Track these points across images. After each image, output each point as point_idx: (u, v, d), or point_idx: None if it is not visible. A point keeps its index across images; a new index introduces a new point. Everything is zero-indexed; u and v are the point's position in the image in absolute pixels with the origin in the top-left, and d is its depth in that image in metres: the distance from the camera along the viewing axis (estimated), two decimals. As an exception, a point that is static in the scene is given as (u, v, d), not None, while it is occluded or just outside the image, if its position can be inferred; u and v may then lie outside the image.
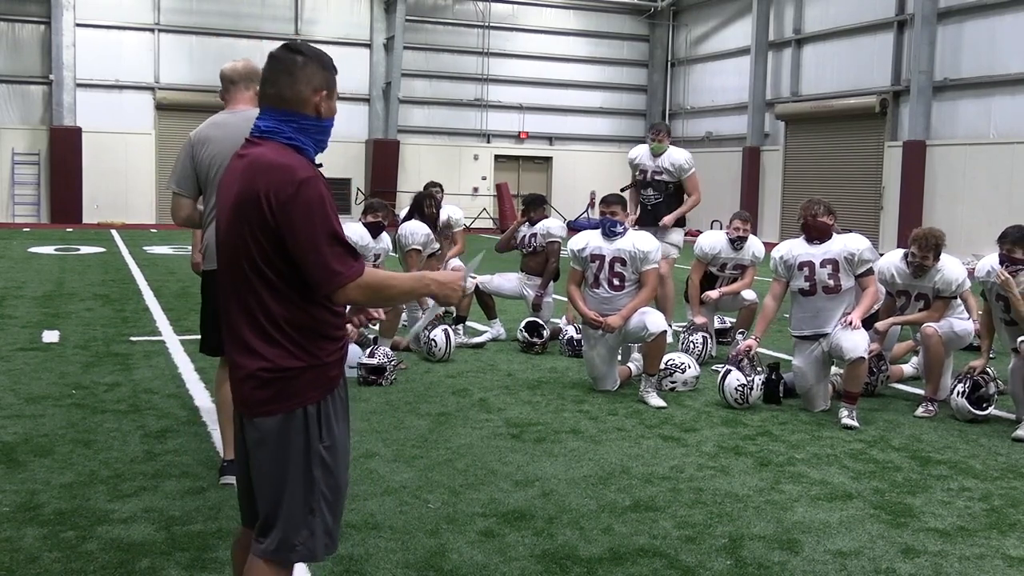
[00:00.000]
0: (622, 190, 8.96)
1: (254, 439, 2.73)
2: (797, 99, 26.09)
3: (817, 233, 6.87)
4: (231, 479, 4.62)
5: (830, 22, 24.99)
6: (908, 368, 7.91)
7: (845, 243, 6.82)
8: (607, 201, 7.35)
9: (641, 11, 31.86)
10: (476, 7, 30.35)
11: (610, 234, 7.21)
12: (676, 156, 9.35)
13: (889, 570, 4.06)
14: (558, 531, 4.38)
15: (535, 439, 5.88)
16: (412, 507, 4.63)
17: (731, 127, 28.51)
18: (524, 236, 9.35)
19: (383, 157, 29.03)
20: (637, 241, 7.19)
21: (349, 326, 7.99)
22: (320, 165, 2.78)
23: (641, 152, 9.53)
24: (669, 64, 31.91)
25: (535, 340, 8.71)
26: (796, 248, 6.95)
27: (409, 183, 27.51)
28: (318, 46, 2.64)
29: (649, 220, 9.27)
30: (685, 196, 9.38)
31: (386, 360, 7.29)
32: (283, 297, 2.64)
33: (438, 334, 8.18)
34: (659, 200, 9.32)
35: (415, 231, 8.53)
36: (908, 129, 22.19)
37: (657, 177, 9.34)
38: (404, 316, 8.56)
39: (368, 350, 7.42)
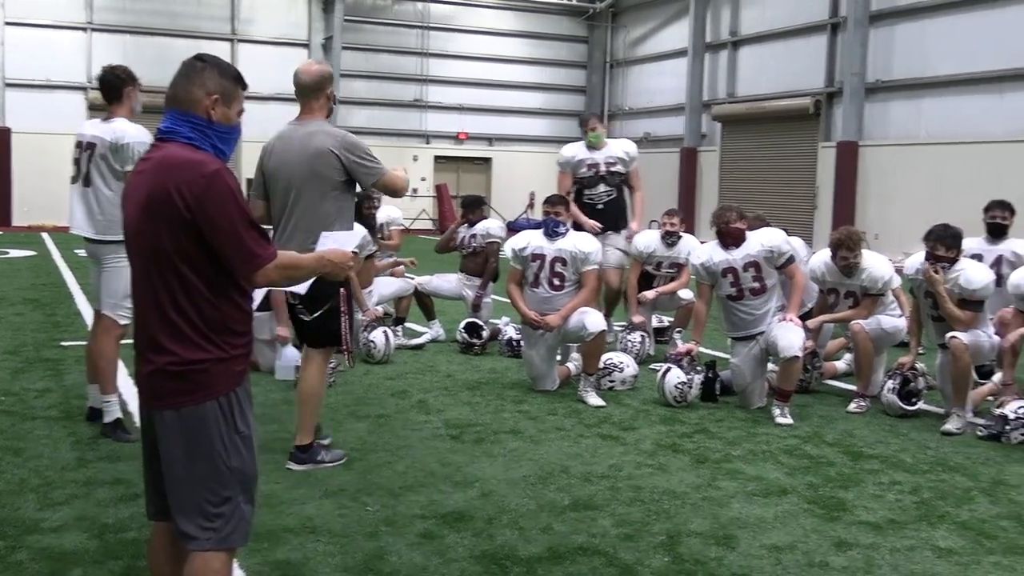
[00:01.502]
0: (567, 194, 8.54)
1: (169, 433, 2.83)
2: (733, 100, 26.40)
3: (732, 239, 6.97)
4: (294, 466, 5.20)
5: (765, 24, 25.33)
6: (841, 365, 8.05)
7: (761, 241, 6.92)
8: (551, 201, 7.38)
9: (580, 13, 32.02)
10: (415, 7, 30.28)
11: (552, 234, 7.23)
12: (624, 144, 8.90)
13: (823, 563, 4.13)
14: (497, 531, 4.38)
15: (474, 440, 5.89)
16: (351, 510, 4.60)
17: (669, 128, 28.75)
18: (463, 237, 9.35)
19: (322, 158, 28.79)
20: (578, 242, 7.22)
21: (281, 329, 7.92)
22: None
23: (577, 149, 8.85)
24: (608, 65, 32.11)
25: (474, 341, 8.71)
26: (716, 254, 7.04)
27: (348, 184, 27.29)
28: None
29: (604, 222, 8.60)
30: (628, 191, 8.85)
31: (324, 362, 7.22)
32: (194, 292, 2.78)
33: (377, 335, 8.14)
34: (612, 196, 8.74)
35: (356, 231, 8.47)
36: (841, 130, 22.56)
37: (612, 169, 8.69)
38: (343, 318, 8.49)
39: (306, 353, 7.35)
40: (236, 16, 28.35)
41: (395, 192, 5.40)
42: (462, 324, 8.86)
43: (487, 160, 31.53)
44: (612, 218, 8.74)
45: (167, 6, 27.54)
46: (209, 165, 2.76)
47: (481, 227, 9.33)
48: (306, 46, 29.14)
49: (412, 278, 9.41)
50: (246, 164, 27.07)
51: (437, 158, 30.83)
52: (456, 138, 31.04)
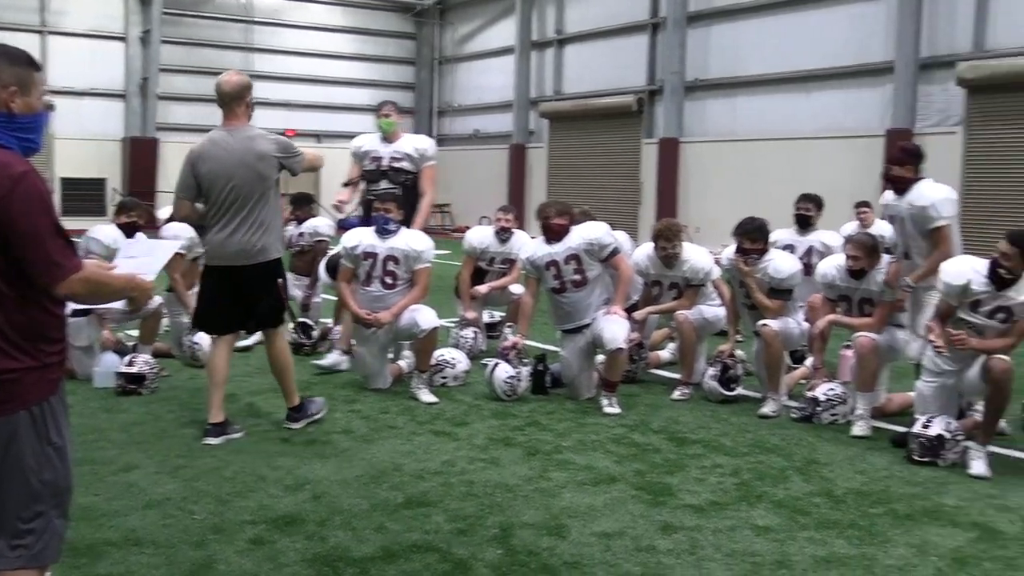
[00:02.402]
0: (344, 185, 8.12)
1: None
2: (560, 98, 26.88)
3: (554, 235, 7.12)
4: (213, 440, 5.67)
5: (589, 23, 25.89)
6: (665, 354, 8.33)
7: (582, 235, 7.09)
8: (382, 199, 7.34)
9: (407, 9, 31.93)
10: (238, 1, 29.51)
11: (384, 232, 7.19)
12: (420, 141, 8.22)
13: (649, 547, 4.26)
14: (330, 533, 4.34)
15: (305, 442, 5.80)
16: (177, 519, 4.46)
17: (497, 125, 29.03)
18: (291, 236, 9.19)
19: (141, 156, 27.71)
20: (411, 240, 7.20)
21: (105, 333, 7.60)
22: None
23: (369, 139, 8.20)
24: (436, 62, 32.17)
25: (304, 341, 8.58)
26: (540, 249, 7.18)
27: (170, 183, 26.16)
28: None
29: None
30: (420, 193, 7.97)
31: (147, 368, 7.00)
32: (2, 299, 2.63)
33: (202, 337, 7.89)
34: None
35: (179, 233, 8.13)
36: (663, 127, 23.32)
37: (396, 164, 7.96)
38: (165, 322, 8.22)
39: (127, 358, 7.09)
40: (46, 7, 26.92)
41: (317, 169, 6.37)
42: (291, 324, 8.69)
43: (316, 157, 31.04)
44: None
45: (-31, -5, 25.96)
46: (15, 167, 2.61)
47: (309, 225, 9.19)
48: (122, 39, 27.99)
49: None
50: (59, 163, 25.96)
51: (264, 155, 30.12)
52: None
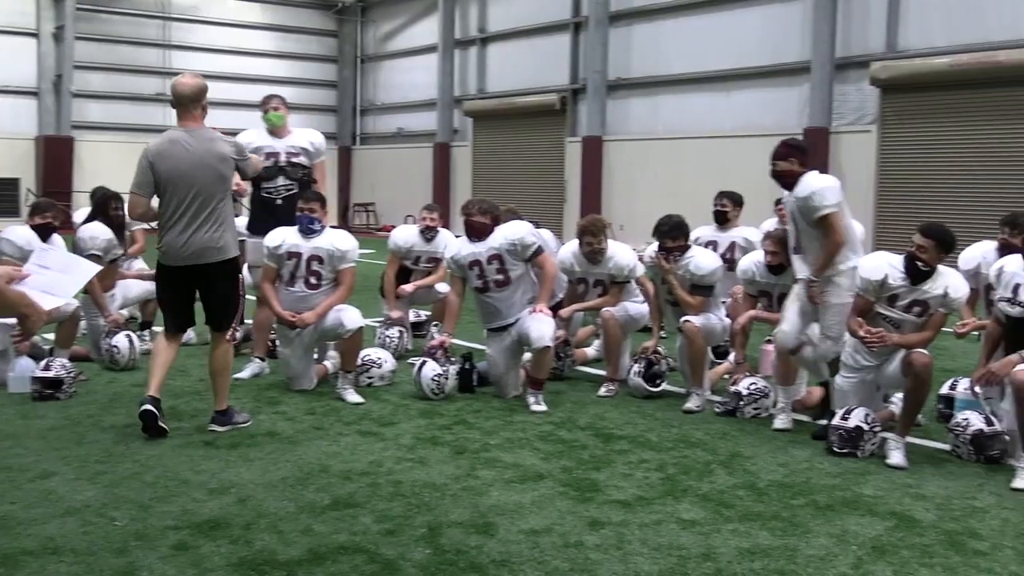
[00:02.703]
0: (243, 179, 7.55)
1: None
2: (483, 96, 26.90)
3: (476, 232, 7.12)
4: (149, 407, 5.70)
5: (512, 22, 25.95)
6: (591, 351, 8.39)
7: (505, 235, 7.09)
8: (306, 198, 7.24)
9: (328, 6, 31.66)
10: (154, -4, 28.97)
11: (307, 231, 7.11)
12: (313, 136, 8.07)
13: (577, 543, 4.29)
14: (256, 537, 4.28)
15: (229, 445, 5.72)
16: (97, 526, 4.36)
17: (422, 123, 28.95)
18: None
19: (55, 155, 27.04)
20: (335, 240, 7.14)
21: (20, 340, 7.36)
22: None
23: (257, 135, 7.91)
24: (359, 60, 31.94)
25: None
26: (463, 248, 7.18)
27: (86, 183, 25.66)
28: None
29: (283, 217, 7.45)
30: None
31: (64, 372, 6.82)
32: None
33: (120, 340, 7.74)
34: (292, 191, 7.67)
35: (96, 235, 7.94)
36: (586, 125, 23.48)
37: (294, 159, 7.82)
38: (83, 325, 8.02)
39: (43, 362, 6.91)
40: (-49, 2, 26.17)
41: (260, 170, 6.70)
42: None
43: (237, 156, 30.58)
44: (290, 215, 7.33)
45: None
46: None
47: (231, 225, 9.03)
48: (35, 35, 27.28)
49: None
50: (-31, 162, 25.15)
51: (183, 154, 29.58)
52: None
